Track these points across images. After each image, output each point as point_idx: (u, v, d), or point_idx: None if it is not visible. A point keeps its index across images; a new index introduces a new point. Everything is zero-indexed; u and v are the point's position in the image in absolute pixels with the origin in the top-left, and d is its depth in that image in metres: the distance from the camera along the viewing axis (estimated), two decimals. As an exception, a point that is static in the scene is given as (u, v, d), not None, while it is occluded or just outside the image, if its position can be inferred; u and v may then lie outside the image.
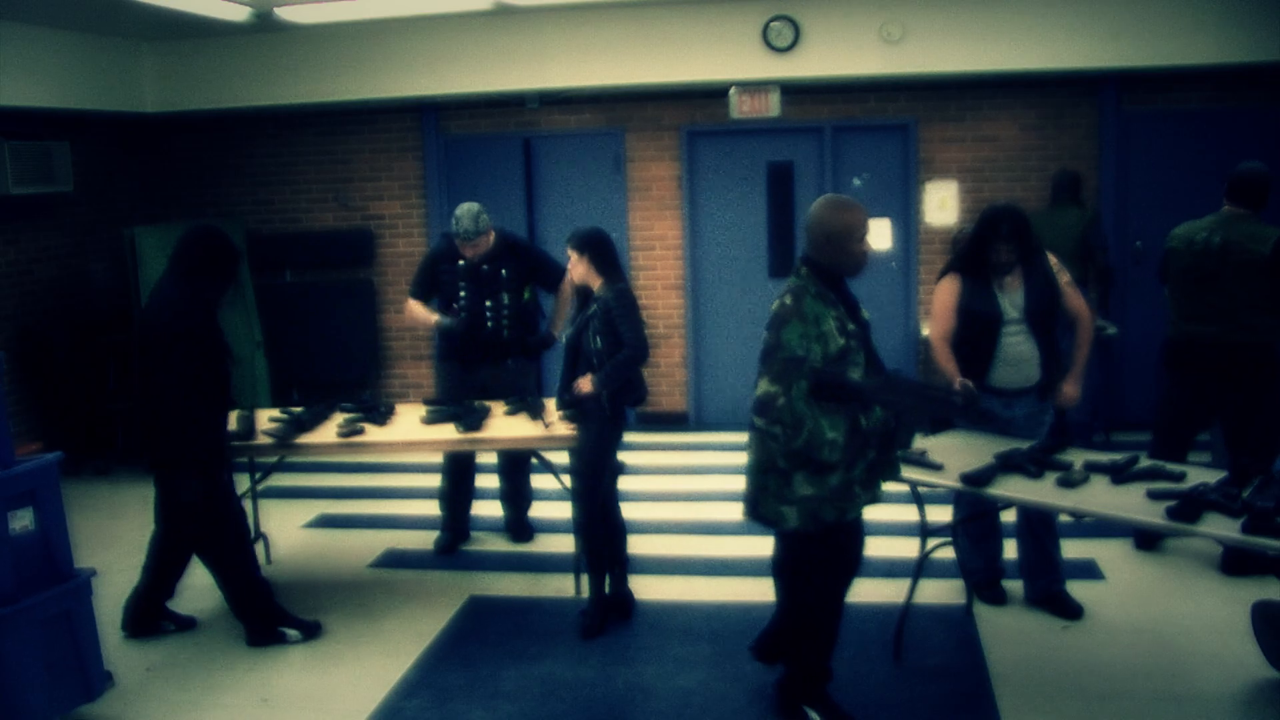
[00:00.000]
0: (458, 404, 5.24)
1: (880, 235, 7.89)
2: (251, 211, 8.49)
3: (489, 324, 5.50)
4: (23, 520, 3.79)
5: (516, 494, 5.89)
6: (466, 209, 5.36)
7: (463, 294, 5.48)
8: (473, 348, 5.54)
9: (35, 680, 3.77)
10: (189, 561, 4.78)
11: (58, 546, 3.92)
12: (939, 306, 4.57)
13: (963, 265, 4.58)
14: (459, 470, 5.76)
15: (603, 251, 4.63)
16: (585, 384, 4.59)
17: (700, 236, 8.11)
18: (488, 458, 5.93)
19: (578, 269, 4.64)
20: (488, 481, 5.94)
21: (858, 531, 3.72)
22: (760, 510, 3.63)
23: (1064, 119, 7.58)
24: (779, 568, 3.85)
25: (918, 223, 7.79)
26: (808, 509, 3.51)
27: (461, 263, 5.46)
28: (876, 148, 7.84)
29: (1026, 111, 7.61)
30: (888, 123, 7.77)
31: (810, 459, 3.43)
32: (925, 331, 7.57)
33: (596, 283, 4.62)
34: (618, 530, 4.80)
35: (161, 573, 4.76)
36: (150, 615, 4.79)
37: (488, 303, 5.49)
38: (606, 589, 4.76)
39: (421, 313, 5.62)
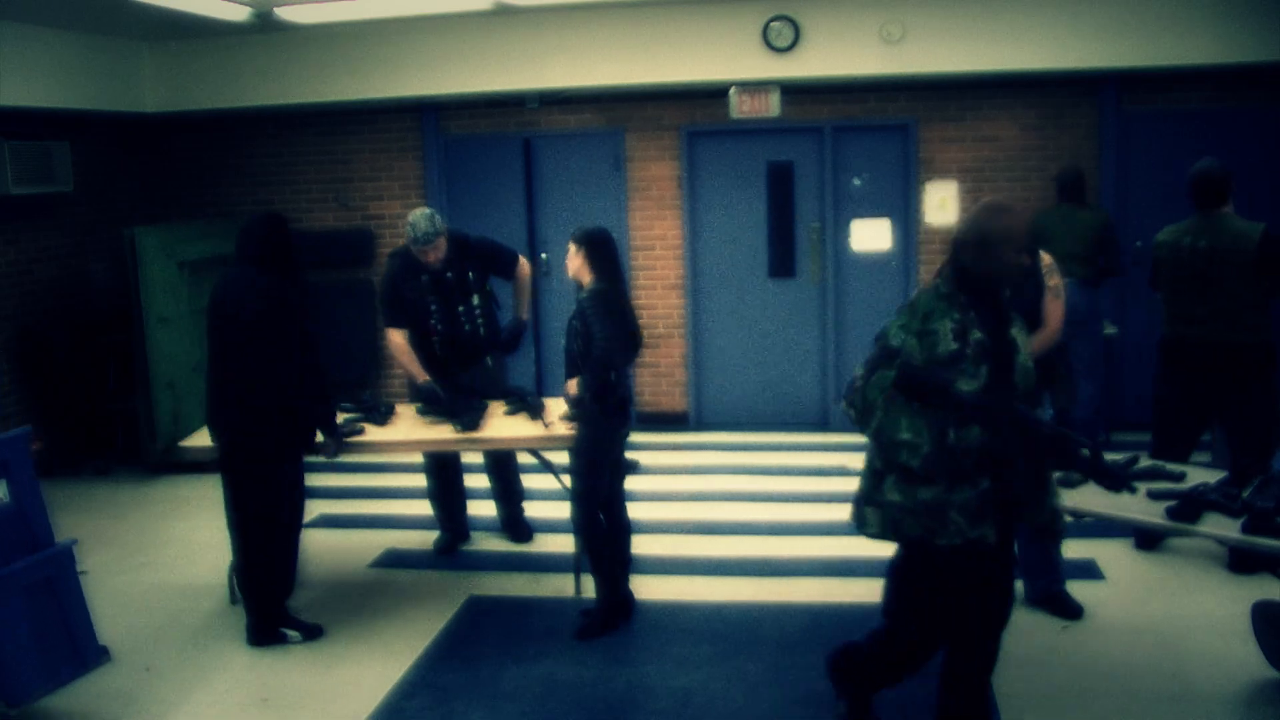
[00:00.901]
0: (451, 399, 5.20)
1: (880, 235, 7.89)
2: (251, 211, 8.47)
3: (466, 328, 5.48)
4: None
5: (508, 492, 5.89)
6: (420, 214, 5.28)
7: (434, 307, 5.41)
8: (455, 356, 5.50)
9: (24, 650, 3.77)
10: (296, 547, 4.72)
11: (34, 518, 3.92)
12: None
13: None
14: (442, 468, 5.76)
15: (600, 250, 4.61)
16: (572, 386, 4.58)
17: (700, 236, 8.11)
18: (472, 457, 5.93)
19: (573, 262, 4.63)
20: (483, 481, 5.95)
21: (973, 563, 3.31)
22: (856, 511, 3.46)
23: (1064, 119, 7.57)
24: (890, 569, 3.65)
25: (918, 223, 7.79)
26: (889, 516, 3.32)
27: (425, 277, 5.37)
28: (876, 148, 7.83)
29: (1026, 111, 7.61)
30: (888, 123, 7.77)
31: (896, 462, 3.25)
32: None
33: (587, 279, 4.61)
34: (622, 530, 4.80)
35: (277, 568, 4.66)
36: (273, 620, 4.68)
37: (460, 308, 5.45)
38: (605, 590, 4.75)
39: (409, 361, 5.43)
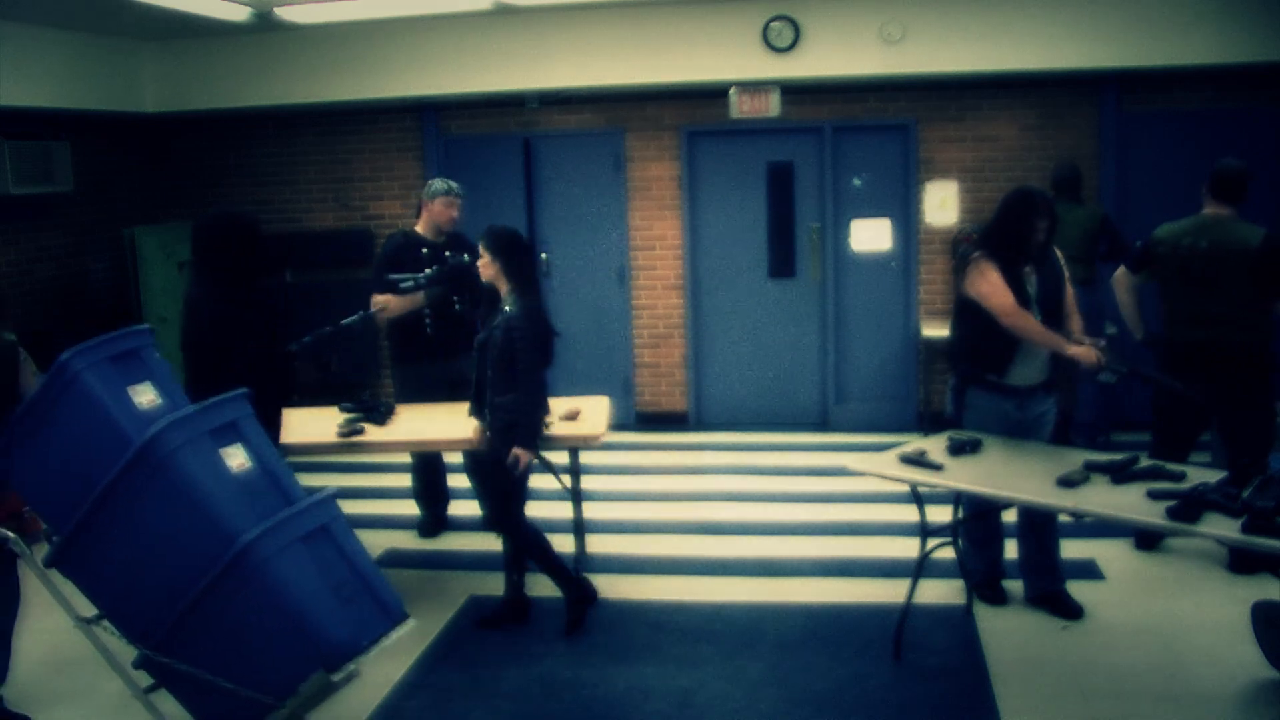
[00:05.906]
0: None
1: (880, 235, 7.89)
2: (251, 211, 8.48)
3: (456, 307, 5.57)
4: (237, 458, 3.47)
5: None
6: (438, 179, 5.70)
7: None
8: (444, 337, 5.57)
9: (324, 601, 3.38)
10: None
11: (283, 477, 3.61)
12: (996, 284, 4.36)
13: (997, 250, 4.47)
14: (430, 466, 5.93)
15: (521, 259, 4.45)
16: (475, 430, 4.67)
17: (700, 236, 8.11)
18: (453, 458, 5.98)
19: (487, 269, 4.48)
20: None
21: None
22: None
23: (1064, 119, 7.57)
24: None
25: (918, 223, 7.79)
26: None
27: (424, 250, 5.56)
28: (876, 148, 7.83)
29: (1026, 111, 7.60)
30: (888, 123, 7.77)
31: None
32: (926, 331, 7.58)
33: (504, 287, 4.45)
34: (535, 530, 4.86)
35: None
36: None
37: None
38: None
39: (399, 299, 5.47)
